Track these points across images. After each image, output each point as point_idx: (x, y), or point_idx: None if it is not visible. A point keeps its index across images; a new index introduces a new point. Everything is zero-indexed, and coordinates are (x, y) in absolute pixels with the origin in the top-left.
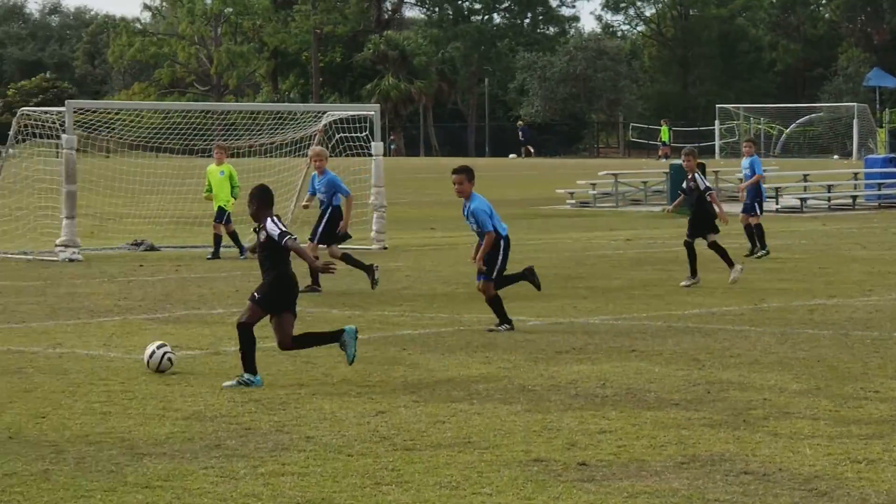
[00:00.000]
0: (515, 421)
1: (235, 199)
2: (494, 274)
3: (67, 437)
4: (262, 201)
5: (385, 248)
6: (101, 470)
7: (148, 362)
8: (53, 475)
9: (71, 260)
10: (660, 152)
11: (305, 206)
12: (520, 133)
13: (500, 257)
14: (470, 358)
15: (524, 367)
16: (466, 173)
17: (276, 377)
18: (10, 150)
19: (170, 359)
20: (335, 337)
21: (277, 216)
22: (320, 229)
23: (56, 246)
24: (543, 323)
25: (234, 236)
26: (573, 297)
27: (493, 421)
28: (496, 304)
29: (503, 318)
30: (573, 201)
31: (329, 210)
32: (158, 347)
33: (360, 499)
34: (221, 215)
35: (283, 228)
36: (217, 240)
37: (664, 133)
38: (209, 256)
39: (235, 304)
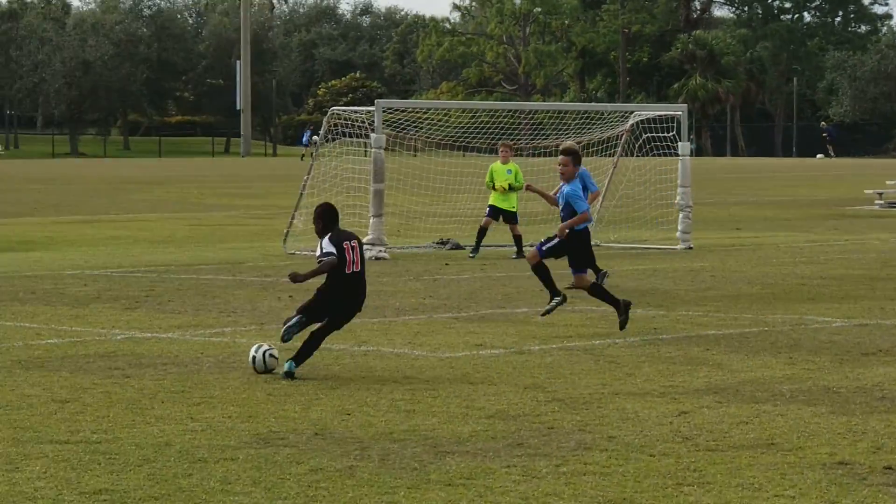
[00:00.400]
0: (819, 423)
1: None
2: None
3: (372, 434)
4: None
5: (690, 248)
6: (405, 467)
7: (255, 368)
8: (358, 471)
9: (377, 258)
10: None
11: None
12: (825, 134)
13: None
14: (774, 359)
15: (829, 369)
16: (573, 156)
17: (579, 376)
18: (320, 147)
19: (273, 355)
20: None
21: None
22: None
23: (365, 244)
24: (849, 324)
25: (517, 239)
26: (880, 299)
27: (796, 423)
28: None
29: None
30: (882, 202)
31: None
32: (257, 350)
33: (662, 499)
34: (512, 216)
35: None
36: (518, 240)
37: None
38: (514, 256)
39: (540, 303)
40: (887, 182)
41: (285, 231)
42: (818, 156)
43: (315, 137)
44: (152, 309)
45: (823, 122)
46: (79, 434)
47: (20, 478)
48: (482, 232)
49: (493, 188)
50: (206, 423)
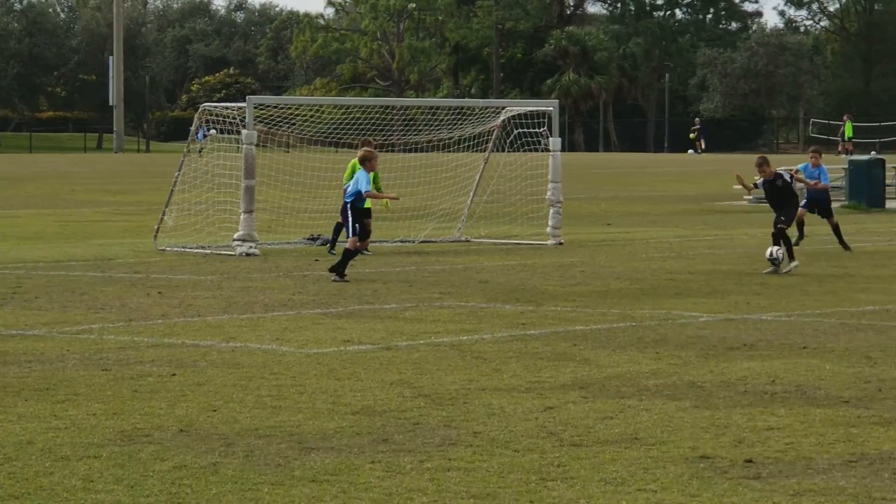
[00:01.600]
0: (683, 417)
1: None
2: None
3: (237, 430)
4: None
5: (561, 244)
6: (269, 464)
7: None
8: (222, 468)
9: (248, 254)
10: (840, 147)
11: None
12: (696, 128)
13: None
14: (640, 354)
15: (694, 364)
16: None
17: (446, 372)
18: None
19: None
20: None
21: None
22: None
23: (233, 240)
24: (715, 319)
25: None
26: (747, 294)
27: (660, 417)
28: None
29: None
30: (751, 197)
31: None
32: None
33: (526, 494)
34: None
35: None
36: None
37: (848, 129)
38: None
39: (409, 299)
40: (757, 178)
41: (156, 227)
42: (689, 151)
43: (213, 131)
44: (18, 306)
45: (698, 118)
46: None
47: None
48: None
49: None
50: (69, 420)
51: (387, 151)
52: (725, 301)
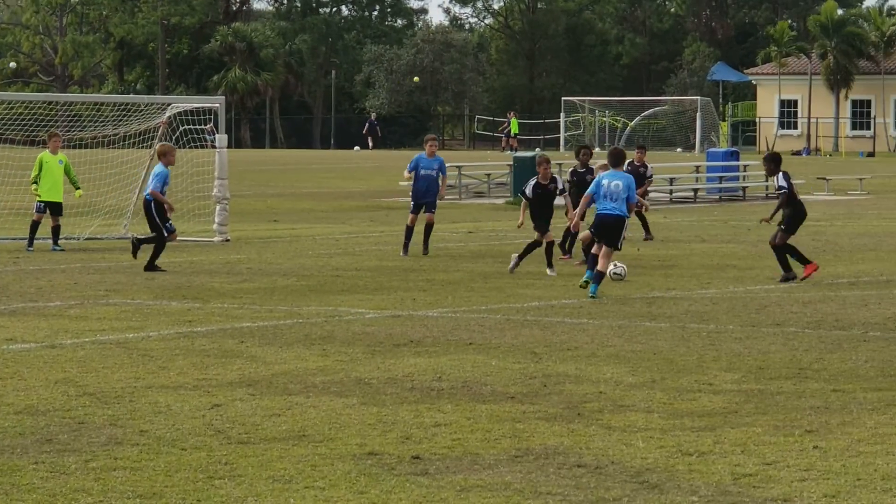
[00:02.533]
0: (351, 414)
1: (79, 188)
2: None
3: None
4: None
5: (228, 241)
6: None
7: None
8: None
9: None
10: (503, 143)
11: None
12: (367, 125)
13: None
14: (307, 351)
15: (361, 360)
16: None
17: (112, 370)
18: None
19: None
20: None
21: None
22: None
23: None
24: (382, 315)
25: (55, 230)
26: (412, 290)
27: (328, 414)
28: None
29: None
30: None
31: None
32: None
33: (193, 493)
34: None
35: None
36: (55, 230)
37: (514, 125)
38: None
39: (74, 296)
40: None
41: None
42: (356, 148)
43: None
44: None
45: (373, 114)
46: None
47: None
48: (55, 230)
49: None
50: None
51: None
52: (391, 297)
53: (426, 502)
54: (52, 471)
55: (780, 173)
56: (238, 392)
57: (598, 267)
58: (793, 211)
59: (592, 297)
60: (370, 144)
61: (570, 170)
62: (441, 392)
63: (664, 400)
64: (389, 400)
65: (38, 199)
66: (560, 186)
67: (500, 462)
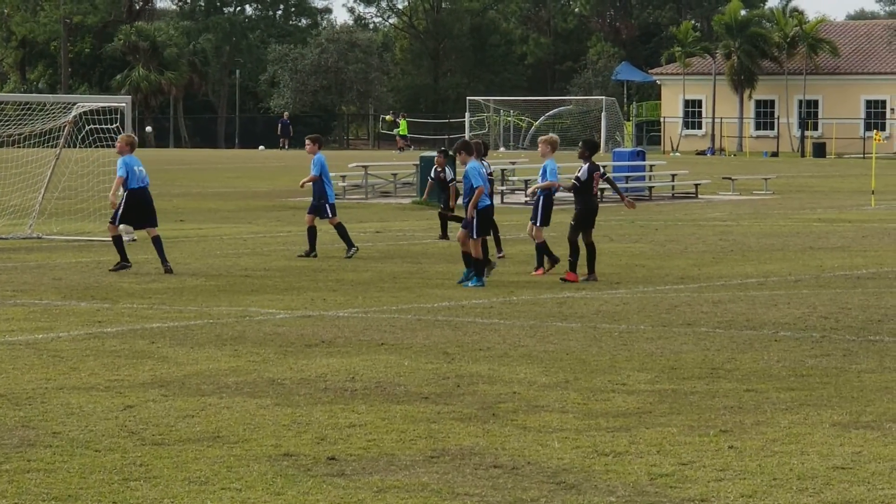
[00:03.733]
0: (265, 415)
1: None
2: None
3: None
4: None
5: (134, 240)
6: None
7: None
8: None
9: None
10: (399, 144)
11: None
12: (279, 126)
13: None
14: (219, 351)
15: (273, 361)
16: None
17: (21, 371)
18: None
19: None
20: None
21: None
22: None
23: None
24: (292, 316)
25: None
26: (322, 290)
27: (242, 415)
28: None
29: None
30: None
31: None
32: None
33: (108, 495)
34: None
35: None
36: None
37: (403, 127)
38: None
39: None
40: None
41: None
42: (260, 147)
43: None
44: None
45: (286, 114)
46: None
47: None
48: None
49: None
50: None
51: None
52: (302, 298)
53: (343, 503)
54: None
55: (588, 164)
56: (150, 393)
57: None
58: (583, 206)
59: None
60: (285, 145)
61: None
62: (355, 393)
63: (578, 400)
64: (303, 401)
65: None
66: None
67: (417, 463)
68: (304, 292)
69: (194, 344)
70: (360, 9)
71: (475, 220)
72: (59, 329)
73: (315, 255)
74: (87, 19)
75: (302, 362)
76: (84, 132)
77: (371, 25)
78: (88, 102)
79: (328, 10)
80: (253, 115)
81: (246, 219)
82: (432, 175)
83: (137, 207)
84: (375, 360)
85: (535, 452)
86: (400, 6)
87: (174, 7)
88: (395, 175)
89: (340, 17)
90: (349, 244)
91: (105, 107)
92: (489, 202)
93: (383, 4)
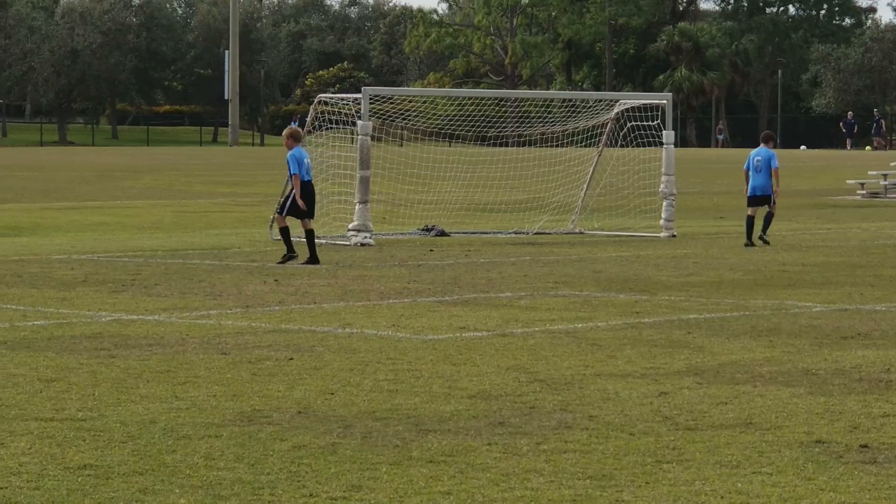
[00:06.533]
0: (798, 403)
1: None
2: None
3: (355, 412)
4: None
5: (674, 236)
6: (387, 444)
7: None
8: (340, 448)
9: (363, 244)
10: None
11: None
12: (842, 125)
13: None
14: (754, 342)
15: (808, 352)
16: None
17: (561, 358)
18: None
19: None
20: None
21: None
22: None
23: (348, 230)
24: (829, 309)
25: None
26: (860, 285)
27: (775, 403)
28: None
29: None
30: (864, 192)
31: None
32: None
33: (641, 476)
34: None
35: None
36: None
37: None
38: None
39: (523, 288)
40: (870, 172)
41: (271, 218)
42: (801, 147)
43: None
44: (138, 292)
45: (850, 113)
46: (64, 412)
47: (4, 453)
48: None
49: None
50: (190, 401)
51: (500, 145)
52: (839, 292)
53: (874, 490)
54: (504, 452)
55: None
56: (685, 381)
57: None
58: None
59: None
60: (847, 145)
61: None
62: (890, 384)
63: None
64: (837, 390)
65: None
66: None
67: None
68: (841, 287)
69: (729, 335)
70: None
71: None
72: (597, 319)
73: None
74: (631, 21)
75: (837, 353)
76: (625, 129)
77: None
78: (630, 100)
79: (872, 10)
80: (794, 115)
81: (786, 216)
82: None
83: (305, 199)
84: None
85: None
86: None
87: (717, 8)
88: None
89: (885, 16)
90: None
91: (646, 104)
92: None
93: None
